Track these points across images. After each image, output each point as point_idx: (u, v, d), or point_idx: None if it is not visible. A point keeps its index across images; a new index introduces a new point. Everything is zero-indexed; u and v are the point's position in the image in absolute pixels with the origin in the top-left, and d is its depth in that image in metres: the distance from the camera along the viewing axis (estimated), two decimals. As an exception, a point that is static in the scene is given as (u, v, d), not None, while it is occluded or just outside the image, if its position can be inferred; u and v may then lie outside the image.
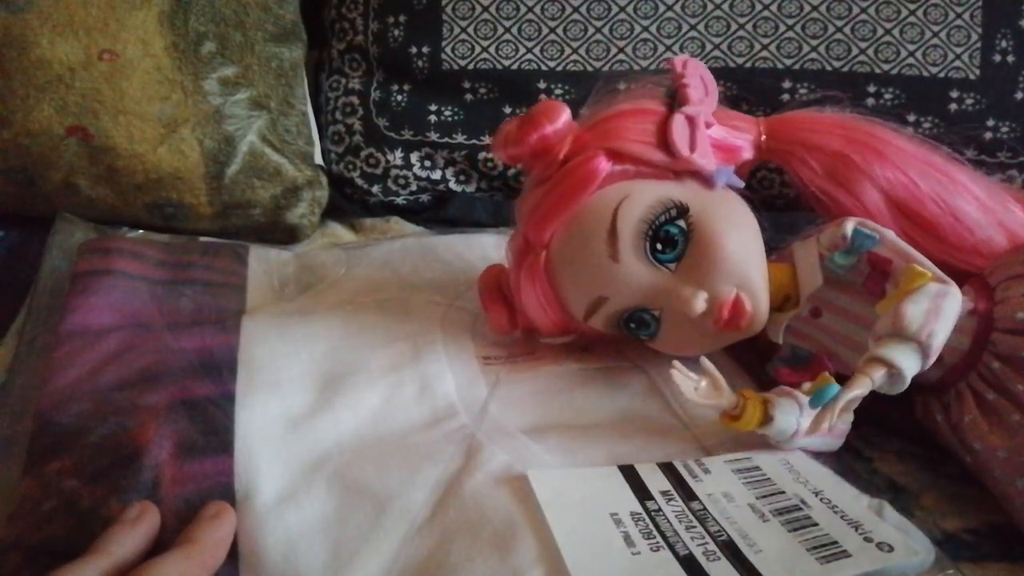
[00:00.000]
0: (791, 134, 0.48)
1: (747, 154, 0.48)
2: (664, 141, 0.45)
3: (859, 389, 0.38)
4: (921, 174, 0.46)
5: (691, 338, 0.45)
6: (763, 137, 0.48)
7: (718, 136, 0.47)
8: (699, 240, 0.44)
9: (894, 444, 0.45)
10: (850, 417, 0.42)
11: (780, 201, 0.76)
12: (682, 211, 0.44)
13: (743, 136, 0.48)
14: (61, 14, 0.64)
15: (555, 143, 0.46)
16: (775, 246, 0.48)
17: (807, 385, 0.42)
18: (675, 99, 0.46)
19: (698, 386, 0.41)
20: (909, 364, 0.38)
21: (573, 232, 0.45)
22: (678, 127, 0.45)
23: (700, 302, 0.43)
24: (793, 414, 0.40)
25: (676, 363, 0.42)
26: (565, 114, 0.46)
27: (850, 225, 0.43)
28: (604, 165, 0.45)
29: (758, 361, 0.51)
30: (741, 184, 0.47)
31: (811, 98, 0.52)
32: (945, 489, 0.42)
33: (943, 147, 0.48)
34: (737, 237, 0.44)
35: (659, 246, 0.44)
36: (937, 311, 0.38)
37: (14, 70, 0.64)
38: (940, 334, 0.38)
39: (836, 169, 0.47)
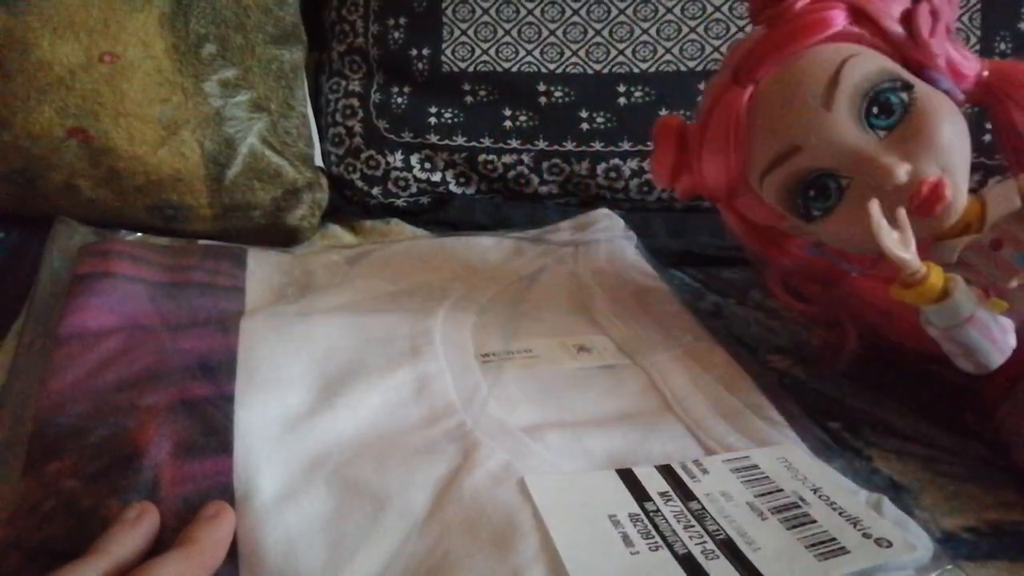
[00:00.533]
0: (1015, 77, 0.47)
1: (968, 83, 0.47)
2: (906, 23, 0.44)
3: None
4: None
5: (877, 214, 0.42)
6: (985, 73, 0.47)
7: (949, 51, 0.46)
8: (917, 116, 0.42)
9: (894, 444, 0.45)
10: (1013, 340, 0.39)
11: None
12: (907, 86, 0.43)
13: (969, 64, 0.47)
14: (61, 16, 0.64)
15: None
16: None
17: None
18: None
19: (891, 235, 0.39)
20: None
21: (792, 71, 0.44)
22: (923, 13, 0.44)
23: (902, 172, 0.41)
24: (972, 299, 0.39)
25: (875, 199, 0.40)
26: None
27: None
28: (841, 17, 0.44)
29: (756, 359, 0.51)
30: (960, 97, 0.46)
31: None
32: (945, 488, 0.42)
33: None
34: (953, 128, 0.43)
35: (875, 110, 0.43)
36: None
37: (15, 72, 0.64)
38: None
39: None
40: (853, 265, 0.49)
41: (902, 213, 0.40)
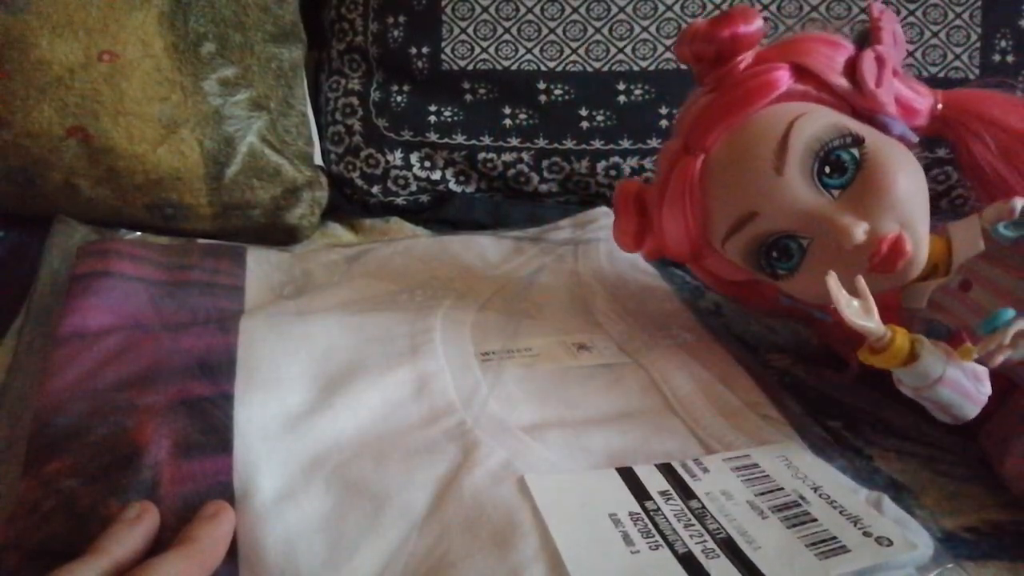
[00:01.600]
0: (970, 107, 0.47)
1: (922, 119, 0.47)
2: (851, 73, 0.44)
3: None
4: None
5: (839, 272, 0.41)
6: (939, 106, 0.47)
7: (899, 90, 0.46)
8: (870, 172, 0.42)
9: (894, 443, 0.45)
10: (986, 390, 0.39)
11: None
12: (858, 140, 0.42)
13: (921, 99, 0.47)
14: (60, 15, 0.64)
15: (744, 45, 0.45)
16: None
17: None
18: (866, 39, 0.45)
19: (850, 305, 0.38)
20: None
21: (741, 138, 0.44)
22: (868, 62, 0.44)
23: (860, 232, 0.41)
24: (940, 359, 0.38)
25: (832, 273, 0.39)
26: (759, 21, 0.45)
27: (1020, 202, 0.41)
28: (786, 78, 0.44)
29: (756, 358, 0.51)
30: (915, 139, 0.46)
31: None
32: (945, 488, 0.42)
33: None
34: (910, 176, 0.42)
35: (827, 169, 0.42)
36: None
37: (14, 71, 0.64)
38: None
39: (1011, 148, 0.45)
40: (825, 313, 0.47)
41: (861, 282, 0.39)
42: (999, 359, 0.36)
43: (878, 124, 0.45)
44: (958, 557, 0.36)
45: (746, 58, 0.45)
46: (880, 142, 0.43)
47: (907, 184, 0.42)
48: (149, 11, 0.66)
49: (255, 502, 0.36)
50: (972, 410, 0.39)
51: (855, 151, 0.42)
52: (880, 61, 0.44)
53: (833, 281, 0.38)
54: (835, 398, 0.49)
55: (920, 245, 0.42)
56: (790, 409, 0.45)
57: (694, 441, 0.43)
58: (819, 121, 0.43)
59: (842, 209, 0.42)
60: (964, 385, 0.37)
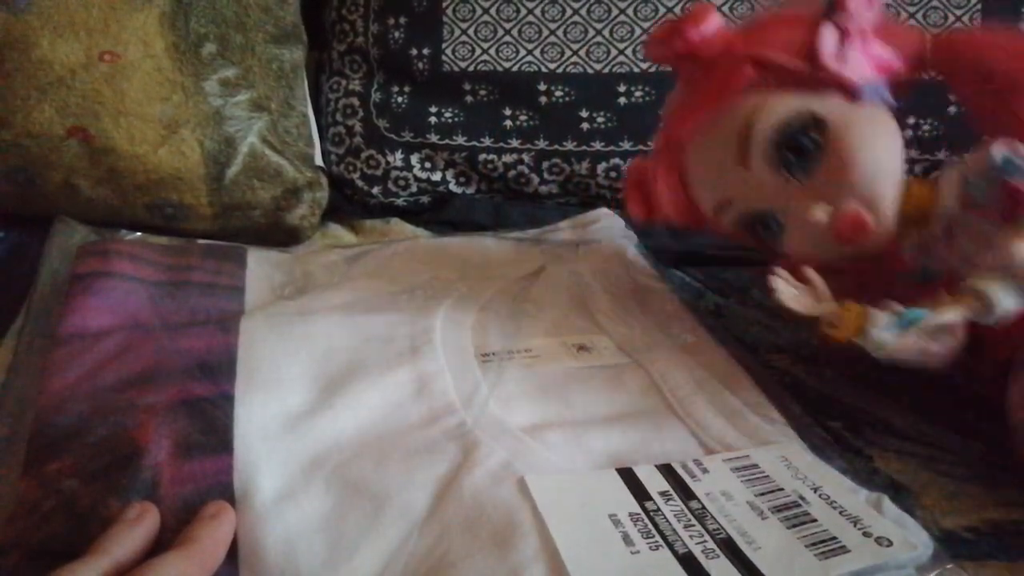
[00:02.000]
0: (958, 52, 0.47)
1: (904, 70, 0.47)
2: (812, 50, 0.44)
3: (948, 316, 0.38)
4: None
5: (814, 246, 0.46)
6: (928, 50, 0.47)
7: (873, 49, 0.45)
8: (833, 153, 0.43)
9: (894, 443, 0.45)
10: (951, 340, 0.40)
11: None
12: (819, 124, 0.43)
13: (902, 50, 0.46)
14: (62, 15, 0.64)
15: (700, 48, 0.46)
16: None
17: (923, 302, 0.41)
18: (833, 6, 0.45)
19: (797, 293, 0.42)
20: (1005, 300, 0.37)
21: (709, 134, 0.46)
22: (826, 37, 0.44)
23: (820, 213, 0.43)
24: (890, 329, 0.39)
25: (778, 270, 0.42)
26: (714, 20, 0.46)
27: (1000, 151, 0.42)
28: (748, 73, 0.45)
29: (753, 354, 0.51)
30: (893, 103, 0.46)
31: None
32: (945, 487, 0.42)
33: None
34: (871, 154, 0.43)
35: (791, 156, 0.44)
36: None
37: (15, 71, 0.64)
38: None
39: (998, 91, 0.45)
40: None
41: (810, 272, 0.43)
42: (910, 347, 0.38)
43: (847, 92, 0.45)
44: (958, 557, 0.36)
45: (712, 50, 0.46)
46: (845, 118, 0.44)
47: (871, 161, 0.43)
48: (150, 12, 0.66)
49: (255, 502, 0.36)
50: (938, 364, 0.41)
51: (816, 135, 0.43)
52: (843, 32, 0.44)
53: (778, 283, 0.42)
54: (835, 398, 0.49)
55: (883, 218, 0.44)
56: (790, 410, 0.46)
57: (694, 442, 0.43)
58: (780, 110, 0.44)
59: (805, 194, 0.44)
60: (928, 347, 0.39)
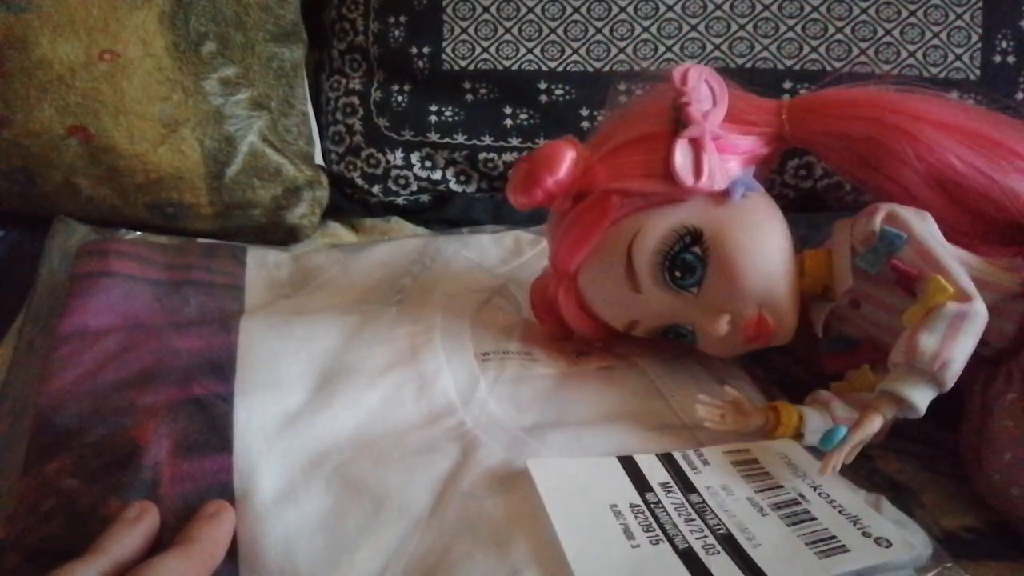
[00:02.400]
0: (815, 123, 0.46)
1: (767, 149, 0.47)
2: (671, 169, 0.44)
3: (868, 428, 0.38)
4: (960, 148, 0.43)
5: (726, 346, 0.46)
6: (786, 127, 0.47)
7: (732, 143, 0.45)
8: (717, 263, 0.44)
9: (894, 443, 0.45)
10: (880, 433, 0.40)
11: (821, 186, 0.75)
12: (696, 237, 0.44)
13: (761, 133, 0.46)
14: (62, 14, 0.64)
15: (560, 192, 0.46)
16: (821, 236, 0.48)
17: (852, 373, 0.43)
18: (679, 117, 0.44)
19: (724, 416, 0.42)
20: (921, 397, 0.38)
21: (595, 266, 0.46)
22: (680, 156, 0.43)
23: (723, 325, 0.44)
24: (824, 429, 0.40)
25: (701, 396, 0.43)
26: (567, 159, 0.46)
27: (879, 219, 0.42)
28: (614, 205, 0.45)
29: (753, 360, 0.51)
30: (760, 189, 0.46)
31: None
32: (945, 488, 0.42)
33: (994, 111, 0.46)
34: (756, 254, 0.43)
35: (678, 273, 0.44)
36: (954, 335, 0.37)
37: (15, 70, 0.64)
38: (956, 362, 0.37)
39: (867, 155, 0.45)
40: None
41: (730, 391, 0.43)
42: (832, 468, 0.38)
43: (716, 195, 0.45)
44: (958, 557, 0.36)
45: (574, 187, 0.46)
46: (721, 222, 0.44)
47: (754, 263, 0.43)
48: (150, 10, 0.66)
49: (255, 502, 0.36)
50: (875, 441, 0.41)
51: (697, 249, 0.44)
52: (696, 144, 0.44)
53: (703, 409, 0.42)
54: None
55: (783, 314, 0.44)
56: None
57: (694, 442, 0.43)
58: (655, 233, 0.44)
59: (701, 307, 0.45)
60: (853, 447, 0.39)
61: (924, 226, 0.42)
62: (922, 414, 0.38)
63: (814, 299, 0.46)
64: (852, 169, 0.47)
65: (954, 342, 0.37)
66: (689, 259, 0.44)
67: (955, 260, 0.40)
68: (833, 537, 0.35)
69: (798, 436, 0.42)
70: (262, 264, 0.60)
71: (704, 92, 0.45)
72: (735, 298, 0.44)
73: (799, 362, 0.53)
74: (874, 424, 0.38)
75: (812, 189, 0.75)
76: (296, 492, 0.37)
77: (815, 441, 0.40)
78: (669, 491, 0.37)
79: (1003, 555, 0.37)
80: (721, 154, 0.44)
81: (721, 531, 0.35)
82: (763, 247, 0.44)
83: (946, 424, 0.46)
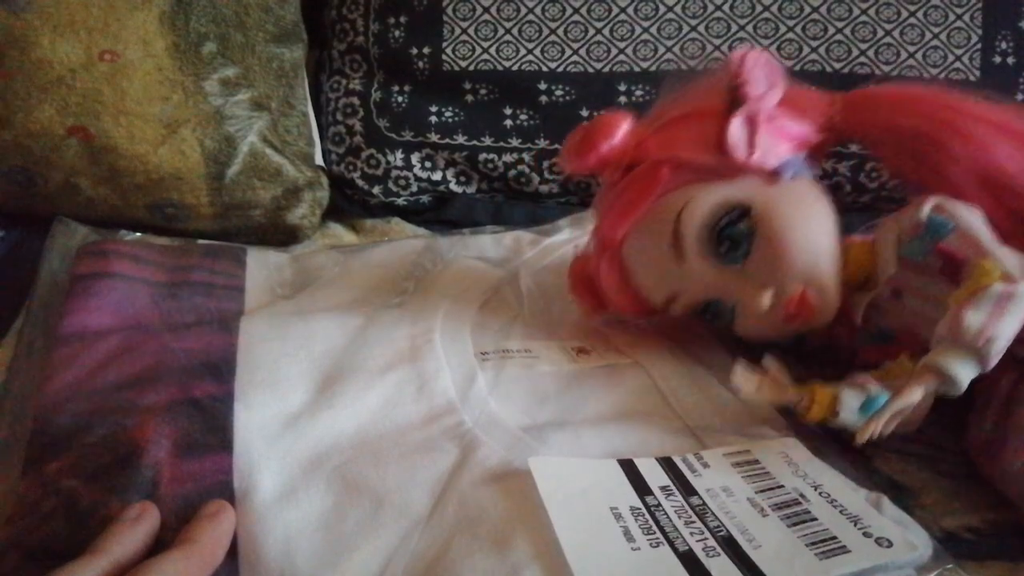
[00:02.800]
0: (867, 115, 0.47)
1: (817, 138, 0.47)
2: (723, 144, 0.44)
3: (909, 398, 0.38)
4: (1012, 150, 0.44)
5: (765, 324, 0.46)
6: (838, 118, 0.47)
7: (784, 126, 0.46)
8: (764, 238, 0.44)
9: (894, 443, 0.45)
10: (919, 412, 0.40)
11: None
12: (744, 212, 0.44)
13: (813, 121, 0.47)
14: (62, 15, 0.64)
15: (613, 159, 0.47)
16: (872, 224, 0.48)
17: (889, 363, 0.42)
18: (735, 97, 0.45)
19: (760, 385, 0.42)
20: (964, 372, 0.38)
21: (641, 235, 0.47)
22: (735, 131, 0.44)
23: (766, 300, 0.44)
24: (857, 415, 0.40)
25: (740, 360, 0.43)
26: (623, 128, 0.47)
27: (927, 209, 0.43)
28: (664, 175, 0.45)
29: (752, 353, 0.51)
30: (810, 174, 0.47)
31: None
32: (945, 488, 0.42)
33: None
34: (803, 231, 0.44)
35: (723, 247, 0.44)
36: (1000, 314, 0.37)
37: (15, 70, 0.64)
38: (1000, 339, 0.37)
39: (915, 149, 0.45)
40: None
41: (767, 361, 0.43)
42: (868, 436, 0.38)
43: (767, 174, 0.45)
44: (958, 557, 0.36)
45: (627, 156, 0.46)
46: (770, 200, 0.44)
47: (801, 240, 0.43)
48: (150, 11, 0.66)
49: (255, 501, 0.36)
50: (911, 428, 0.41)
51: (744, 223, 0.44)
52: (750, 122, 0.44)
53: (740, 375, 0.42)
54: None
55: (827, 293, 0.44)
56: (790, 409, 0.45)
57: (693, 441, 0.43)
58: (704, 204, 0.44)
59: (745, 280, 0.45)
60: (890, 424, 0.39)
61: (971, 215, 0.42)
62: (962, 390, 0.38)
63: (853, 290, 0.46)
64: (902, 164, 0.47)
65: (1000, 320, 0.37)
66: (737, 232, 0.44)
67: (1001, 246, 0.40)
68: (834, 538, 0.35)
69: (833, 415, 0.41)
70: (262, 265, 0.60)
71: (760, 75, 0.46)
72: (780, 273, 0.44)
73: (800, 362, 0.53)
74: (915, 394, 0.38)
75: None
76: (296, 492, 0.37)
77: (852, 418, 0.40)
78: (669, 494, 0.37)
79: (1003, 555, 0.37)
80: (774, 136, 0.45)
81: (721, 533, 0.35)
82: (811, 225, 0.44)
83: (946, 424, 0.47)
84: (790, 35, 0.74)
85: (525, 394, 0.46)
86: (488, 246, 0.65)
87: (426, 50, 0.76)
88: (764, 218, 0.44)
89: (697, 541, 0.35)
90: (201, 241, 0.67)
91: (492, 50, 0.76)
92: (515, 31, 0.76)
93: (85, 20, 0.65)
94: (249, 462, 0.38)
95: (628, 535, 0.35)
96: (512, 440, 0.41)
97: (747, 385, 0.42)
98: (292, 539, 0.34)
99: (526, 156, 0.76)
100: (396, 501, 0.36)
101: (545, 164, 0.77)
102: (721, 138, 0.44)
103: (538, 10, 0.75)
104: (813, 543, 0.35)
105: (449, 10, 0.75)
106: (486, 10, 0.75)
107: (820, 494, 0.38)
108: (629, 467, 0.39)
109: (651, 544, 0.34)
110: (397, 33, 0.76)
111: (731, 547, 0.34)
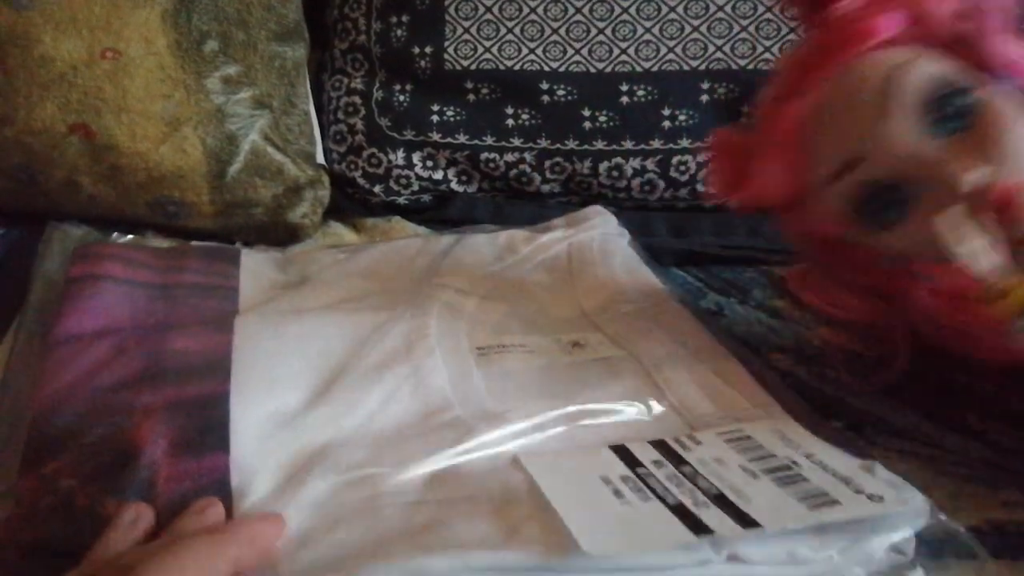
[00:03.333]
0: None
1: None
2: (973, 20, 0.41)
3: None
4: None
5: (950, 222, 0.39)
6: None
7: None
8: (982, 120, 0.40)
9: (895, 443, 0.45)
10: None
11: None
12: (968, 90, 0.40)
13: None
14: (64, 12, 0.64)
15: None
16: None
17: None
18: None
19: (987, 245, 0.37)
20: None
21: (849, 79, 0.42)
22: (993, 10, 0.41)
23: (968, 180, 0.38)
24: None
25: (941, 217, 0.38)
26: None
27: None
28: (892, 22, 0.42)
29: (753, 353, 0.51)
30: None
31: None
32: (946, 487, 0.42)
33: None
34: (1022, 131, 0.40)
35: (936, 116, 0.40)
36: None
37: (17, 68, 0.64)
38: None
39: None
40: (930, 274, 0.44)
41: (983, 223, 0.38)
42: None
43: (994, 77, 0.42)
44: (959, 557, 0.36)
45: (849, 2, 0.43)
46: (995, 92, 0.41)
47: (1021, 137, 0.40)
48: (152, 9, 0.66)
49: (253, 500, 0.36)
50: None
51: (965, 100, 0.40)
52: (1005, 11, 0.42)
53: (943, 224, 0.37)
54: (836, 399, 0.49)
55: None
56: (791, 409, 0.45)
57: (687, 432, 0.43)
58: (926, 69, 0.41)
59: (951, 156, 0.40)
60: None
61: None
62: None
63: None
64: None
65: None
66: (954, 106, 0.40)
67: None
68: (825, 493, 0.35)
69: (1022, 313, 0.37)
70: (257, 265, 0.60)
71: None
72: (992, 157, 0.39)
73: (801, 362, 0.53)
74: None
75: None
76: (294, 490, 0.37)
77: None
78: (661, 466, 0.38)
79: (1005, 555, 0.37)
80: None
81: (713, 492, 0.36)
82: None
83: (946, 425, 0.46)
84: (792, 35, 0.74)
85: (521, 388, 0.46)
86: (483, 244, 0.65)
87: (428, 49, 0.76)
88: (988, 103, 0.40)
89: (687, 498, 0.35)
90: (195, 243, 0.66)
91: (494, 49, 0.76)
92: (517, 31, 0.75)
93: (87, 18, 0.65)
94: (246, 461, 0.38)
95: (618, 494, 0.36)
96: (508, 433, 0.41)
97: (952, 234, 0.37)
98: (290, 537, 0.34)
99: (527, 156, 0.76)
100: (393, 490, 0.37)
101: (547, 164, 0.76)
102: (974, 11, 0.41)
103: (540, 10, 0.75)
104: (804, 497, 0.35)
105: (451, 9, 0.75)
106: (488, 9, 0.75)
107: (812, 461, 0.38)
108: (621, 450, 0.40)
109: (640, 500, 0.35)
110: (399, 32, 0.76)
111: (722, 501, 0.35)
